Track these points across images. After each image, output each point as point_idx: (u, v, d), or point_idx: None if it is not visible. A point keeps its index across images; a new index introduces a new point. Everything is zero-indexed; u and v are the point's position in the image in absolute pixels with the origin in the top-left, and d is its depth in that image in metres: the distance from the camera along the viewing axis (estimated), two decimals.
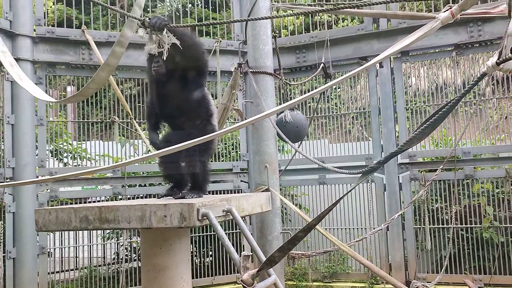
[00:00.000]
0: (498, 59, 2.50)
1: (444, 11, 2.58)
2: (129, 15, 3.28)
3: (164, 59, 3.29)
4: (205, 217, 2.96)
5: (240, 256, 2.83)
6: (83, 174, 4.77)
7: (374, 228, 6.08)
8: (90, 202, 6.59)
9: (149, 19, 3.24)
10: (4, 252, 5.71)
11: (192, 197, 3.36)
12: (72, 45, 6.41)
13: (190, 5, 7.15)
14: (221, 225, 3.02)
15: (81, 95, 3.64)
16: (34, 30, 6.25)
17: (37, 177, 6.06)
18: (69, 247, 6.80)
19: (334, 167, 4.82)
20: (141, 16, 3.36)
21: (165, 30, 3.21)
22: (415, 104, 6.90)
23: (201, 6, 11.80)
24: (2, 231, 5.67)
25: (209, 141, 3.38)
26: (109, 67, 3.34)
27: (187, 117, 3.59)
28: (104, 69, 3.34)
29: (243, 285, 2.78)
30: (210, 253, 7.18)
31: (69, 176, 5.29)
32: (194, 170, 3.50)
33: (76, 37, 6.38)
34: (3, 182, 5.73)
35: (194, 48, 3.45)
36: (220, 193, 6.68)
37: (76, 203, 6.26)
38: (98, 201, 6.68)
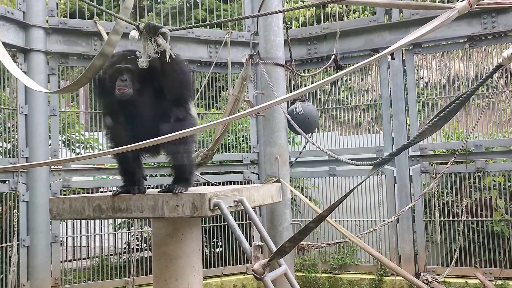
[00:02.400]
0: None
1: (461, 0, 2.55)
2: (131, 23, 3.25)
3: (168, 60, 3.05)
4: (217, 207, 2.99)
5: (251, 246, 2.86)
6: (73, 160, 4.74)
7: (384, 220, 6.08)
8: (102, 192, 6.66)
9: (143, 23, 3.11)
10: (18, 240, 5.81)
11: (180, 191, 3.11)
12: (84, 36, 6.44)
13: None
14: (231, 215, 3.04)
15: (76, 85, 3.57)
16: (47, 21, 6.30)
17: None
18: (81, 236, 6.89)
19: (347, 159, 4.82)
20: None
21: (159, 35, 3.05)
22: (426, 96, 6.85)
23: None
24: (16, 220, 5.76)
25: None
26: (104, 56, 3.29)
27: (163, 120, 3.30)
28: (100, 58, 3.29)
29: (254, 275, 2.81)
30: (220, 243, 7.23)
31: (69, 161, 5.28)
32: (182, 161, 3.30)
33: (88, 28, 6.41)
34: (16, 171, 5.82)
35: (183, 76, 3.25)
36: (230, 184, 6.71)
37: (88, 193, 6.33)
38: (110, 191, 6.73)
